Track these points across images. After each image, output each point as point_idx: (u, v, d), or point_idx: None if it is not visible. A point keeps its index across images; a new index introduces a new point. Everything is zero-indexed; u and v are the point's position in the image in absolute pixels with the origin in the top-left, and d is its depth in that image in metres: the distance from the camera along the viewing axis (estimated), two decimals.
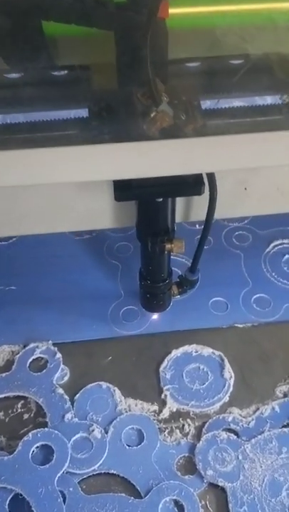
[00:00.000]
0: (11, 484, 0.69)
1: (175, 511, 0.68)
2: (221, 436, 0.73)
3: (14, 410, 0.77)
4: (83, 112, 0.54)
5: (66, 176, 0.54)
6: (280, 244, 0.98)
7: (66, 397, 0.78)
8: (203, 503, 0.68)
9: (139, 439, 0.74)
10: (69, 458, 0.71)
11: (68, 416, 0.76)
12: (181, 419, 0.76)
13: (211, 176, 0.62)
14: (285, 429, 0.74)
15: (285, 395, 0.78)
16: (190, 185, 0.61)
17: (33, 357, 0.82)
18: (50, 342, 0.84)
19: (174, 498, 0.68)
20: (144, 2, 0.48)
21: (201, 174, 0.61)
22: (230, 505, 0.67)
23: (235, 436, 0.73)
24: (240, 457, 0.71)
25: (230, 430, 0.74)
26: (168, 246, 0.70)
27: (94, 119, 0.52)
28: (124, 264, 0.96)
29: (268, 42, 0.56)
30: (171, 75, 0.56)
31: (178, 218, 0.72)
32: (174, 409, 0.77)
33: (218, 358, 0.82)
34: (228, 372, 0.80)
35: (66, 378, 0.80)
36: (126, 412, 0.76)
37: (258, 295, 0.90)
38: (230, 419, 0.75)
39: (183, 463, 0.72)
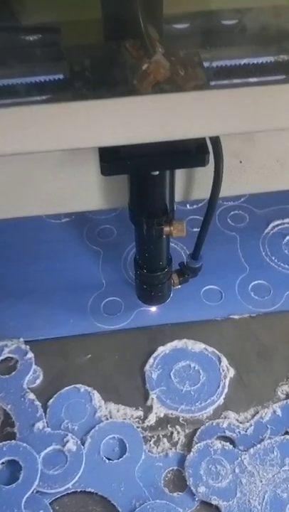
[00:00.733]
0: None
1: None
2: (215, 445, 0.67)
3: None
4: (62, 72, 0.47)
5: (37, 144, 0.47)
6: (280, 224, 0.93)
7: (38, 403, 0.72)
8: None
9: (120, 450, 0.68)
10: (39, 475, 0.65)
11: (39, 425, 0.69)
12: (169, 426, 0.70)
13: (215, 143, 0.55)
14: None
15: (287, 396, 0.73)
16: (192, 154, 0.55)
17: (1, 357, 0.76)
18: (20, 340, 0.78)
19: None
20: None
21: (205, 141, 0.55)
22: None
23: (231, 446, 0.67)
24: (236, 470, 0.65)
25: (225, 438, 0.68)
26: (166, 229, 0.64)
27: (75, 80, 0.46)
28: (107, 250, 0.90)
29: None
30: (167, 29, 0.50)
31: (176, 197, 0.66)
32: (161, 415, 0.71)
33: (212, 354, 0.77)
34: (223, 370, 0.75)
35: (38, 381, 0.75)
36: (106, 419, 0.70)
37: (256, 282, 0.85)
38: (225, 425, 0.69)
39: (171, 478, 0.66)
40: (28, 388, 0.73)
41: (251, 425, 0.69)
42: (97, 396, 0.72)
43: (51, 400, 0.72)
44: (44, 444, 0.67)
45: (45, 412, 0.71)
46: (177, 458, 0.67)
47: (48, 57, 0.49)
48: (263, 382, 0.74)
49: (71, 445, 0.67)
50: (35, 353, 0.76)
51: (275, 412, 0.70)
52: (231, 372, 0.74)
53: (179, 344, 0.77)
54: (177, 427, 0.70)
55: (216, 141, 0.55)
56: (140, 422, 0.70)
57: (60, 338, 0.79)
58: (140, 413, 0.71)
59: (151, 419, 0.70)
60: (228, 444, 0.67)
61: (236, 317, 0.81)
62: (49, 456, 0.67)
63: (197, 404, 0.72)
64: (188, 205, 0.92)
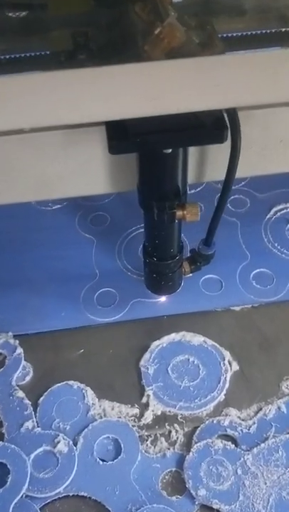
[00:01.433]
0: None
1: None
2: (216, 445, 0.65)
3: None
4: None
5: (44, 117, 0.44)
6: (283, 209, 0.91)
7: (27, 401, 0.70)
8: None
9: (115, 451, 0.66)
10: (28, 478, 0.63)
11: (29, 425, 0.67)
12: (167, 424, 0.68)
13: (233, 116, 0.52)
14: None
15: None
16: (208, 129, 0.52)
17: None
18: (9, 334, 0.76)
19: None
20: None
21: (222, 115, 0.52)
22: None
23: (232, 445, 0.65)
24: (239, 472, 0.63)
25: (226, 437, 0.67)
26: (179, 213, 0.61)
27: (80, 52, 0.44)
28: (100, 239, 0.88)
29: None
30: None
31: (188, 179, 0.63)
32: (159, 413, 0.69)
33: (212, 347, 0.75)
34: (224, 364, 0.73)
35: (28, 378, 0.73)
36: (100, 417, 0.68)
37: (258, 270, 0.83)
38: (226, 423, 0.67)
39: (169, 480, 0.64)
40: (17, 386, 0.71)
41: (254, 423, 0.67)
42: (90, 393, 0.70)
43: (42, 398, 0.70)
44: (34, 446, 0.65)
45: (35, 410, 0.69)
46: (176, 458, 0.65)
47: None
48: (267, 376, 0.72)
49: (62, 446, 0.65)
50: (25, 348, 0.74)
51: (279, 408, 0.68)
52: (232, 367, 0.73)
53: (176, 337, 0.75)
54: (175, 425, 0.68)
55: (233, 114, 0.52)
56: (136, 420, 0.68)
57: (51, 332, 0.77)
58: (136, 411, 0.69)
59: (148, 417, 0.68)
60: (229, 443, 0.65)
61: (237, 308, 0.79)
62: (39, 459, 0.65)
63: (196, 400, 0.70)
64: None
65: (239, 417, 0.68)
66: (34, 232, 0.88)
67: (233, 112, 0.51)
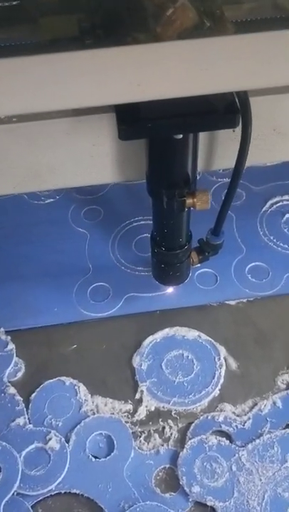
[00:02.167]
0: None
1: None
2: (210, 441, 0.64)
3: None
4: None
5: (44, 102, 0.42)
6: (279, 201, 0.91)
7: (19, 397, 0.69)
8: None
9: (108, 448, 0.65)
10: (20, 476, 0.62)
11: (20, 422, 0.66)
12: (160, 420, 0.68)
13: (244, 101, 0.51)
14: None
15: (288, 386, 0.69)
16: (221, 114, 0.51)
17: None
18: (1, 329, 0.75)
19: None
20: None
21: (234, 99, 0.51)
22: None
23: (227, 441, 0.65)
24: (233, 468, 0.62)
25: (221, 433, 0.66)
26: (189, 201, 0.60)
27: (87, 37, 0.42)
28: (93, 233, 0.87)
29: None
30: None
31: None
32: (152, 409, 0.69)
33: (206, 342, 0.74)
34: (219, 359, 0.72)
35: (20, 374, 0.72)
36: (92, 414, 0.68)
37: (253, 264, 0.83)
38: (221, 418, 0.67)
39: (163, 477, 0.64)
40: (9, 382, 0.70)
41: (249, 418, 0.66)
42: (82, 389, 0.69)
43: (33, 394, 0.69)
44: (25, 443, 0.64)
45: (26, 407, 0.68)
46: (169, 455, 0.65)
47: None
48: (262, 371, 0.71)
49: (54, 443, 0.64)
50: (17, 343, 0.74)
51: (275, 403, 0.68)
52: (227, 362, 0.72)
53: (170, 332, 0.74)
54: (169, 421, 0.67)
55: (244, 98, 0.51)
56: (129, 416, 0.67)
57: (43, 328, 0.76)
58: (129, 407, 0.68)
59: (141, 413, 0.68)
60: (224, 439, 0.65)
61: (232, 302, 0.78)
62: (31, 456, 0.64)
63: (191, 396, 0.69)
64: None
65: (234, 413, 0.67)
66: (26, 227, 0.87)
67: (244, 96, 0.50)
